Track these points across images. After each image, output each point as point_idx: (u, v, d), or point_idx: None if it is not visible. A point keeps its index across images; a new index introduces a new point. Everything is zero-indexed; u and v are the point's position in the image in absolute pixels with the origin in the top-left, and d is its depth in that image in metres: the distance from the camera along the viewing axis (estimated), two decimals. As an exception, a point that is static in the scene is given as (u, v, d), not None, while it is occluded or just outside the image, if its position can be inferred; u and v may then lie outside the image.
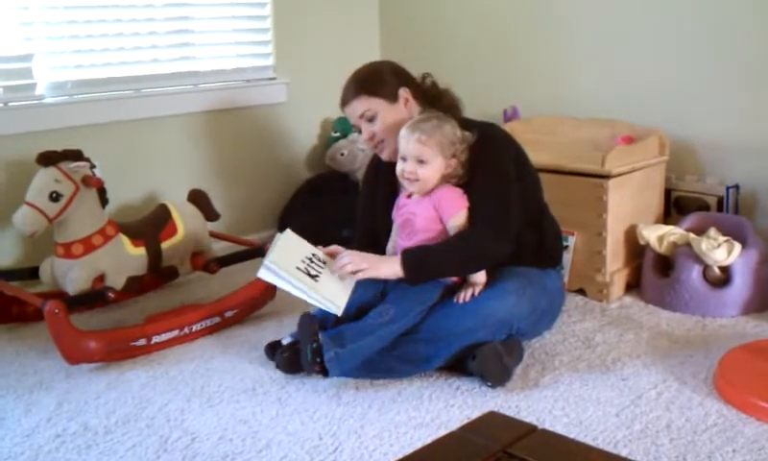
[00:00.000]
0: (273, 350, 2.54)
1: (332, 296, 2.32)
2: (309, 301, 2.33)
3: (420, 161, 2.38)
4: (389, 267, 2.37)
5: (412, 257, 2.37)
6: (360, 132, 2.61)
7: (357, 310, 2.44)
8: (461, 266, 2.43)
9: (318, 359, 2.29)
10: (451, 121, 2.44)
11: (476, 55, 3.86)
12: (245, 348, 2.70)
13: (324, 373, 2.32)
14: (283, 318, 2.78)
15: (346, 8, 4.06)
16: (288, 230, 2.45)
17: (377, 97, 2.53)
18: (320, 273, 2.36)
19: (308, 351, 2.29)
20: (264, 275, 2.33)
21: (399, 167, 2.43)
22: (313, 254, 2.40)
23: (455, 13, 3.92)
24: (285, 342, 2.52)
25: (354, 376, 2.38)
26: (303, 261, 2.36)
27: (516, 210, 2.46)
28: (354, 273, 2.34)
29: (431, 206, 2.42)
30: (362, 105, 2.54)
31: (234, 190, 3.70)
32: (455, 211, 2.41)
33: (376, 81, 2.55)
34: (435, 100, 2.62)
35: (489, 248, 2.42)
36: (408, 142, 2.40)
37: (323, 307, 2.34)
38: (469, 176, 2.44)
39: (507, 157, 2.52)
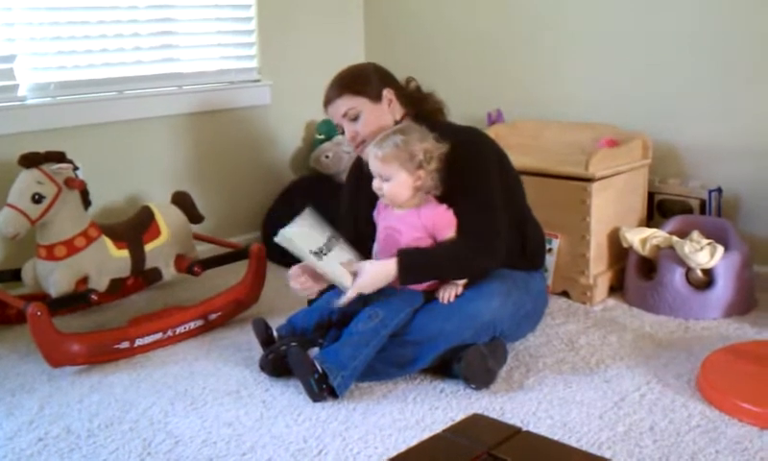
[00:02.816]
0: (265, 329, 2.53)
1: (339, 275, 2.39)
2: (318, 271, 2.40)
3: (384, 178, 2.40)
4: (383, 278, 2.37)
5: (408, 260, 2.37)
6: (343, 132, 2.60)
7: (339, 314, 2.45)
8: (452, 274, 2.45)
9: (323, 385, 2.29)
10: (419, 132, 2.42)
11: (460, 57, 3.86)
12: (229, 350, 2.69)
13: (334, 395, 2.31)
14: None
15: (331, 10, 4.06)
16: (308, 211, 2.46)
17: (361, 96, 2.53)
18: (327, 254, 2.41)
19: (313, 383, 2.28)
20: (280, 240, 2.38)
21: (373, 184, 2.46)
22: (327, 240, 2.43)
23: (440, 17, 3.92)
24: (275, 334, 2.52)
25: None
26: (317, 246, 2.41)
27: (504, 221, 2.47)
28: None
29: (420, 224, 2.42)
30: (345, 103, 2.54)
31: (218, 192, 3.69)
32: (449, 230, 2.42)
33: (360, 80, 2.56)
34: (419, 104, 2.62)
35: (480, 263, 2.45)
36: (370, 161, 2.43)
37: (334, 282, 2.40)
38: (454, 181, 2.44)
39: (491, 163, 2.52)
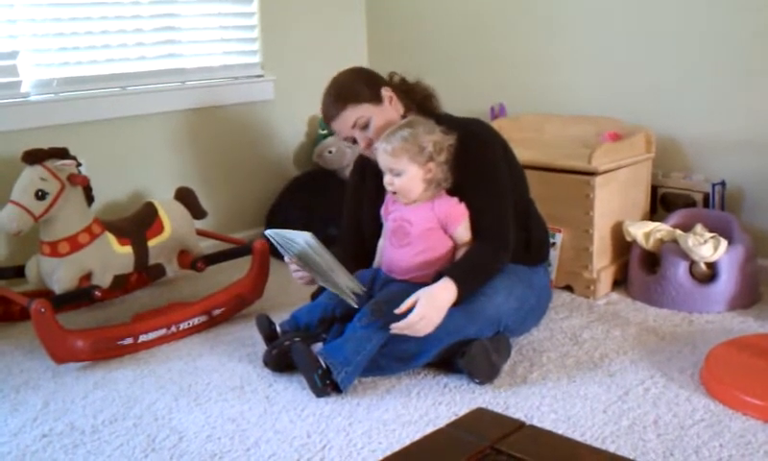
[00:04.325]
0: (268, 325, 2.52)
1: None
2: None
3: (395, 173, 2.40)
4: (446, 304, 2.33)
5: (464, 280, 2.35)
6: (353, 142, 2.58)
7: (343, 309, 2.44)
8: (487, 281, 2.44)
9: (327, 381, 2.29)
10: (426, 124, 2.43)
11: (463, 52, 3.86)
12: (232, 346, 2.70)
13: (338, 390, 2.31)
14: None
15: (333, 4, 4.05)
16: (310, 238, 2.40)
17: (364, 103, 2.52)
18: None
19: (317, 378, 2.28)
20: (269, 235, 2.41)
21: (384, 180, 2.45)
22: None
23: (442, 10, 3.91)
24: (279, 329, 2.52)
25: None
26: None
27: (511, 214, 2.49)
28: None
29: (432, 216, 2.42)
30: (353, 114, 2.52)
31: (221, 188, 3.69)
32: (460, 222, 2.43)
33: (356, 88, 2.54)
34: (411, 94, 2.62)
35: (502, 261, 2.47)
36: (379, 156, 2.43)
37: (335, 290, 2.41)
38: (462, 176, 2.44)
39: (496, 155, 2.53)
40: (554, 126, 3.41)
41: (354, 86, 2.54)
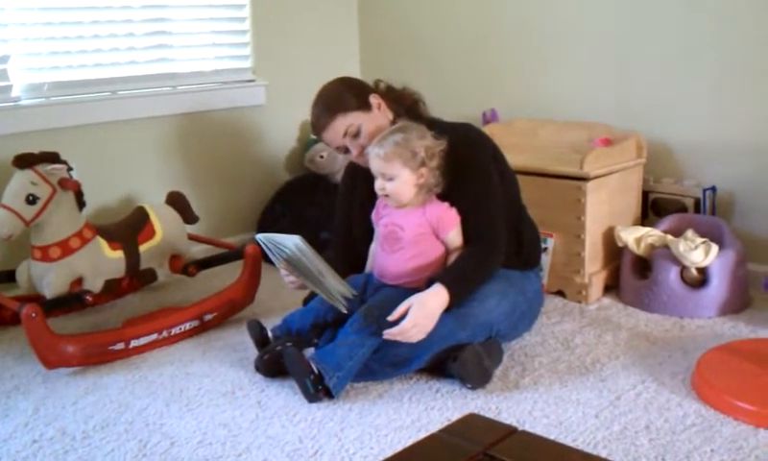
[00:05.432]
0: (260, 330, 2.52)
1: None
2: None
3: (387, 178, 2.40)
4: (438, 310, 2.33)
5: (455, 285, 2.36)
6: (345, 152, 2.57)
7: (335, 314, 2.44)
8: (479, 285, 2.44)
9: (319, 386, 2.28)
10: (418, 130, 2.43)
11: (455, 57, 3.86)
12: (224, 351, 2.69)
13: (330, 395, 2.31)
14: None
15: (325, 10, 4.05)
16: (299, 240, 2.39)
17: (353, 111, 2.52)
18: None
19: (309, 384, 2.27)
20: (260, 239, 2.40)
21: (375, 185, 2.45)
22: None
23: (434, 16, 3.92)
24: (270, 335, 2.52)
25: None
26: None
27: (503, 217, 2.49)
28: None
29: (424, 221, 2.42)
30: (342, 123, 2.51)
31: (213, 193, 3.69)
32: (452, 227, 2.44)
33: (344, 97, 2.54)
34: (398, 101, 2.62)
35: (494, 264, 2.47)
36: (371, 160, 2.42)
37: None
38: (452, 180, 2.45)
39: (486, 158, 2.53)
40: (546, 131, 3.41)
41: (342, 96, 2.54)
